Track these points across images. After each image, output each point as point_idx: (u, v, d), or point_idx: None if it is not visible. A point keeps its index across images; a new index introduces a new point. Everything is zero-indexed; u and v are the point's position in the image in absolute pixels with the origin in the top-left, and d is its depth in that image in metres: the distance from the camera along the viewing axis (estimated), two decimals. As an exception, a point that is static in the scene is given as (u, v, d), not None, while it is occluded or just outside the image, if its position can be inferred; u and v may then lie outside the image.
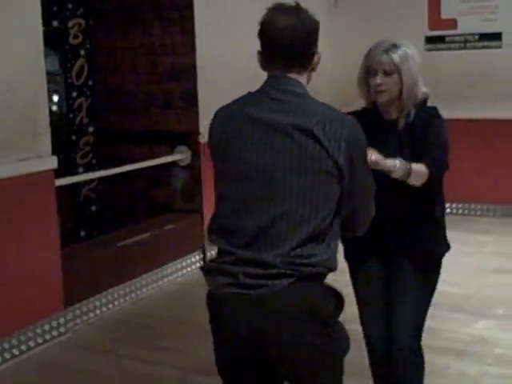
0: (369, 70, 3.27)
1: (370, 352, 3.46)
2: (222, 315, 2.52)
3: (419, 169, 3.12)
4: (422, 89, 3.33)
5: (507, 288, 5.74)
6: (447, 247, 3.45)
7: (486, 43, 7.98)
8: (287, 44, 2.47)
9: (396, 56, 3.22)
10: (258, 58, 2.61)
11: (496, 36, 7.91)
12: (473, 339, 4.84)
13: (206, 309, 2.62)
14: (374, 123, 3.28)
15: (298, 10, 2.52)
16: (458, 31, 8.07)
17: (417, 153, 3.23)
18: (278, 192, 2.39)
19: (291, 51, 2.49)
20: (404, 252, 3.32)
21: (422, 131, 3.27)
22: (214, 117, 2.64)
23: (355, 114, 3.23)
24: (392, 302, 3.35)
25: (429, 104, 3.38)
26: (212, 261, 2.56)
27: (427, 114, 3.32)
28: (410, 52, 3.28)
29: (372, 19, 8.27)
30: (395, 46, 3.25)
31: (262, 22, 2.54)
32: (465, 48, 8.06)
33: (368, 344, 3.44)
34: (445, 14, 8.11)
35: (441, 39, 8.12)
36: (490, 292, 5.67)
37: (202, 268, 2.63)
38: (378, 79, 3.23)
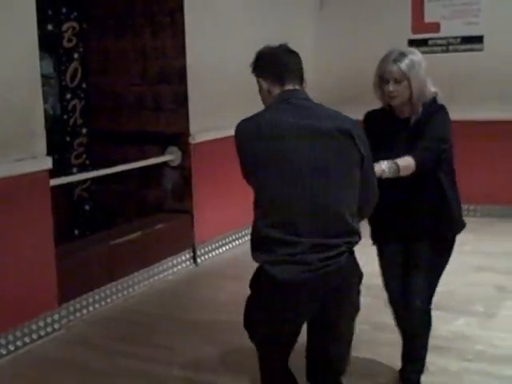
0: (381, 78, 3.71)
1: (392, 307, 4.08)
2: (299, 296, 2.98)
3: (405, 162, 3.54)
4: (431, 89, 3.77)
5: (487, 286, 5.79)
6: (461, 227, 4.01)
7: (468, 46, 8.04)
8: (296, 68, 3.18)
9: (404, 65, 3.64)
10: (264, 81, 3.17)
11: (478, 39, 7.98)
12: (454, 336, 4.88)
13: (269, 293, 3.06)
14: (388, 121, 3.82)
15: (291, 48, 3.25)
16: (440, 34, 8.12)
17: None
18: (331, 182, 2.93)
19: (299, 72, 3.17)
20: (419, 234, 3.86)
21: (424, 125, 3.69)
22: (241, 129, 3.08)
23: (374, 111, 3.93)
24: (408, 273, 3.92)
25: (439, 102, 3.82)
26: (271, 252, 2.97)
27: (433, 110, 3.74)
28: (417, 59, 3.70)
29: (356, 22, 8.30)
30: (403, 55, 3.67)
31: (268, 53, 3.21)
32: (447, 51, 8.11)
33: (390, 301, 4.06)
34: (428, 18, 8.17)
35: (424, 42, 8.14)
36: (470, 290, 5.73)
37: (267, 262, 3.00)
38: (390, 87, 3.66)
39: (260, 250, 3.03)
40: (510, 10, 7.92)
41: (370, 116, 3.94)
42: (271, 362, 3.39)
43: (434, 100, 3.79)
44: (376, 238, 4.00)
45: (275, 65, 3.16)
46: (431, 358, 4.24)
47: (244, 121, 3.09)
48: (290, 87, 3.10)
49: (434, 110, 3.76)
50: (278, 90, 3.10)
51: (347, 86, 7.96)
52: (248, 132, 3.04)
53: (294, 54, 3.19)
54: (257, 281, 3.15)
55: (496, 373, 4.35)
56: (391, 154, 3.55)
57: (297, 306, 3.03)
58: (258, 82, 3.19)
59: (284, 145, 2.93)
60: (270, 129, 2.96)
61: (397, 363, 4.20)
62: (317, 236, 2.90)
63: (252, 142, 3.00)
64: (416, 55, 3.74)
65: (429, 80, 3.77)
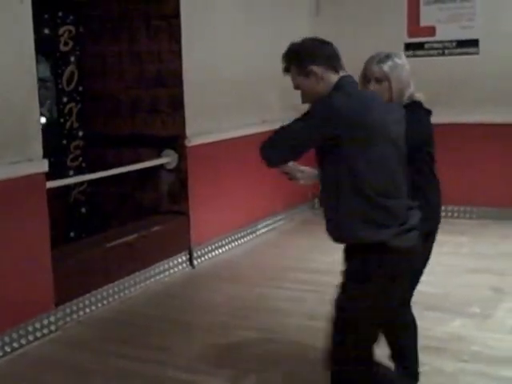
0: (364, 78, 3.79)
1: None
2: (414, 262, 3.36)
3: None
4: (415, 94, 3.84)
5: (483, 287, 5.81)
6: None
7: (463, 50, 8.09)
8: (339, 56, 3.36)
9: (386, 66, 3.73)
10: (317, 67, 3.25)
11: (473, 43, 8.03)
12: (450, 337, 4.89)
13: (393, 266, 3.18)
14: None
15: None
16: (436, 38, 8.16)
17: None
18: (401, 163, 3.26)
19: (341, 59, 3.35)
20: None
21: None
22: (347, 105, 3.13)
23: None
24: None
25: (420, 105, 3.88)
26: (389, 226, 3.15)
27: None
28: (400, 62, 3.78)
29: (352, 27, 8.35)
30: (387, 57, 3.77)
31: (311, 43, 3.34)
32: (443, 54, 8.16)
33: None
34: (424, 22, 8.22)
35: (420, 46, 8.21)
36: (466, 291, 5.75)
37: (389, 236, 3.14)
38: (371, 86, 3.74)
39: (376, 227, 3.14)
40: (505, 13, 7.97)
41: None
42: (370, 346, 3.36)
43: (410, 104, 3.80)
44: None
45: (325, 52, 3.31)
46: (427, 359, 4.25)
47: (341, 98, 3.16)
48: (343, 73, 3.30)
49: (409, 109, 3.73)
50: (334, 76, 3.26)
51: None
52: (356, 108, 3.13)
53: (330, 43, 3.38)
54: (368, 266, 3.17)
55: (492, 373, 4.36)
56: None
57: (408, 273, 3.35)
58: (307, 71, 3.25)
59: (386, 125, 3.19)
60: (375, 108, 3.21)
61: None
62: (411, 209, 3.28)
63: (365, 118, 3.12)
64: (400, 58, 3.82)
65: (412, 83, 3.83)
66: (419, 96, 3.87)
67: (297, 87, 3.34)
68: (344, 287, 3.25)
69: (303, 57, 3.28)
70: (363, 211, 3.12)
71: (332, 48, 3.35)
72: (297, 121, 3.18)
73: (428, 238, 3.78)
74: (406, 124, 3.42)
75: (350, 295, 3.23)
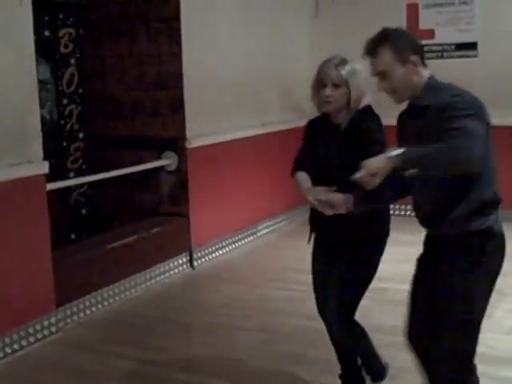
0: (319, 82, 3.66)
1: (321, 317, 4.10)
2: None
3: None
4: (368, 99, 3.71)
5: None
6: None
7: (462, 52, 8.13)
8: None
9: (344, 71, 3.60)
10: (416, 57, 3.12)
11: (472, 46, 8.07)
12: None
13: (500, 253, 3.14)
14: (323, 127, 3.79)
15: None
16: (435, 41, 8.18)
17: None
18: None
19: None
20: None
21: (357, 133, 3.64)
22: (477, 100, 3.09)
23: (311, 120, 3.91)
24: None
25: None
26: (492, 213, 3.09)
27: (362, 119, 3.66)
28: (358, 67, 3.63)
29: (352, 29, 8.30)
30: (344, 62, 3.65)
31: (404, 32, 3.26)
32: (442, 57, 8.18)
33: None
34: (423, 25, 8.25)
35: (419, 49, 8.27)
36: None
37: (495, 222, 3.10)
38: (327, 91, 3.61)
39: (486, 215, 3.07)
40: (503, 17, 8.00)
41: (310, 123, 3.92)
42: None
43: (364, 109, 3.70)
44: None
45: (421, 44, 3.24)
46: None
47: (467, 93, 3.08)
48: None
49: (365, 118, 3.69)
50: (425, 71, 3.15)
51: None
52: (482, 104, 3.08)
53: None
54: (484, 254, 3.08)
55: (492, 374, 4.32)
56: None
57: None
58: (405, 58, 3.08)
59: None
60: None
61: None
62: None
63: (486, 115, 3.09)
64: (358, 64, 3.64)
65: (367, 91, 3.70)
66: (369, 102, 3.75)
67: (382, 75, 3.11)
68: (457, 287, 3.09)
69: (404, 42, 3.12)
70: (488, 199, 3.07)
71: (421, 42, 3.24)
72: (463, 118, 2.89)
73: None
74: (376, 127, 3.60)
75: (469, 293, 3.09)
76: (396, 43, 3.08)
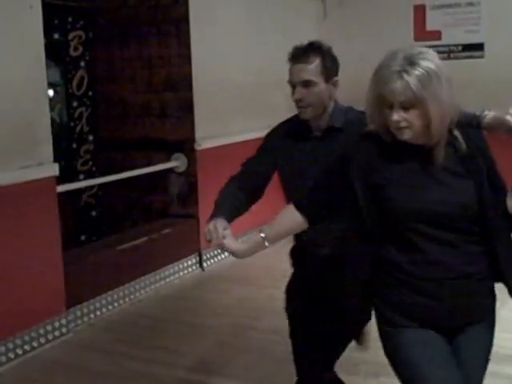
0: (381, 99, 2.39)
1: None
2: None
3: None
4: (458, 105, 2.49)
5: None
6: None
7: (468, 53, 8.10)
8: None
9: (414, 80, 2.31)
10: (337, 82, 3.20)
11: (478, 46, 8.05)
12: None
13: None
14: (396, 152, 2.50)
15: None
16: (442, 42, 8.16)
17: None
18: None
19: None
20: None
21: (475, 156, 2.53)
22: None
23: (364, 137, 2.64)
24: None
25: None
26: None
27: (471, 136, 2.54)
28: (434, 66, 2.36)
29: (360, 31, 8.38)
30: (412, 63, 2.34)
31: (338, 62, 3.24)
32: (449, 58, 8.12)
33: None
34: (430, 26, 8.23)
35: (426, 49, 8.26)
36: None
37: None
38: (395, 115, 2.36)
39: None
40: (510, 17, 7.96)
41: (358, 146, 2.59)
42: None
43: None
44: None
45: (338, 68, 3.19)
46: None
47: None
48: None
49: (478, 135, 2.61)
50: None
51: (349, 95, 8.00)
52: None
53: None
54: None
55: (500, 372, 4.33)
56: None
57: None
58: (333, 79, 3.12)
59: None
60: None
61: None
62: None
63: None
64: (432, 60, 2.38)
65: (454, 95, 2.46)
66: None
67: (307, 84, 3.05)
68: None
69: (333, 61, 3.12)
70: None
71: None
72: None
73: None
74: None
75: None
76: (327, 59, 3.08)
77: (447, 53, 8.18)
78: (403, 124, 2.36)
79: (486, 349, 2.75)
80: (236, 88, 7.15)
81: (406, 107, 2.34)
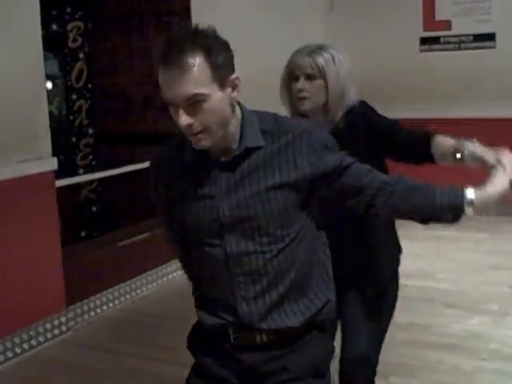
0: (291, 75, 2.93)
1: None
2: None
3: None
4: (354, 97, 2.93)
5: (501, 285, 5.76)
6: None
7: (479, 44, 8.03)
8: None
9: (320, 58, 2.87)
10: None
11: (490, 36, 7.97)
12: (467, 335, 4.85)
13: None
14: None
15: None
16: (452, 32, 8.11)
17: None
18: None
19: None
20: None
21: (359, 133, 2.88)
22: None
23: None
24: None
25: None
26: None
27: (357, 115, 2.91)
28: (338, 55, 2.91)
29: (367, 21, 8.30)
30: (321, 48, 2.92)
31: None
32: (459, 49, 8.10)
33: None
34: (439, 16, 8.16)
35: (435, 40, 8.17)
36: (484, 289, 5.70)
37: None
38: (300, 84, 2.86)
39: None
40: (522, 7, 7.90)
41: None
42: None
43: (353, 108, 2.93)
44: None
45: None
46: (445, 357, 4.22)
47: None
48: None
49: (364, 113, 2.94)
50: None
51: (359, 86, 7.95)
52: None
53: None
54: None
55: (510, 371, 4.33)
56: None
57: None
58: (231, 84, 2.22)
59: None
60: None
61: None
62: None
63: None
64: (338, 51, 2.94)
65: (353, 86, 2.94)
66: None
67: (192, 103, 2.06)
68: None
69: (229, 52, 2.27)
70: None
71: None
72: None
73: None
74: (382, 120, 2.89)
75: None
76: (214, 50, 2.14)
77: (457, 43, 8.15)
78: (305, 94, 2.84)
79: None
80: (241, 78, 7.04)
81: (311, 78, 2.84)
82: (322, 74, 2.85)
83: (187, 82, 2.01)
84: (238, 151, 2.15)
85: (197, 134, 2.08)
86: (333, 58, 2.87)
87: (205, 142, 2.10)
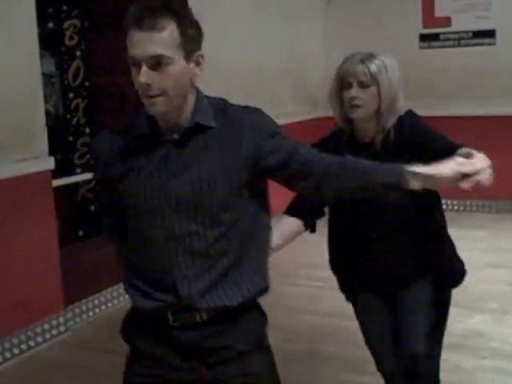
0: (342, 82, 2.93)
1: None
2: None
3: None
4: (402, 104, 2.98)
5: (502, 283, 5.77)
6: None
7: (479, 40, 8.02)
8: None
9: (373, 65, 2.88)
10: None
11: (490, 33, 7.96)
12: (468, 333, 4.86)
13: None
14: (342, 148, 2.81)
15: None
16: (451, 29, 8.11)
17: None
18: None
19: None
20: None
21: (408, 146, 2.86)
22: None
23: (322, 141, 3.05)
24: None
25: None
26: None
27: (406, 125, 2.94)
28: (389, 62, 2.93)
29: (365, 18, 8.30)
30: (372, 56, 2.92)
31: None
32: (459, 45, 8.10)
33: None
34: (438, 12, 8.16)
35: (435, 37, 8.17)
36: (485, 287, 5.69)
37: None
38: (353, 92, 2.87)
39: None
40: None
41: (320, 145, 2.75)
42: None
43: (401, 117, 2.97)
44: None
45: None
46: (446, 356, 4.21)
47: None
48: None
49: (411, 123, 2.95)
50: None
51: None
52: None
53: None
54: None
55: (508, 369, 4.35)
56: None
57: None
58: (195, 60, 2.20)
59: None
60: None
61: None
62: None
63: None
64: (388, 58, 2.95)
65: (401, 94, 2.97)
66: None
67: (156, 64, 2.12)
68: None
69: (200, 30, 2.24)
70: None
71: None
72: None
73: None
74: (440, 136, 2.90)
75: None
76: (186, 23, 2.16)
77: (457, 40, 8.16)
78: (358, 102, 2.85)
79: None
80: (239, 78, 7.09)
81: (363, 86, 2.85)
82: (375, 81, 2.86)
83: (156, 42, 2.08)
84: (188, 125, 2.19)
85: (153, 97, 2.13)
86: (385, 66, 2.89)
87: (159, 108, 2.14)
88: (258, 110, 2.31)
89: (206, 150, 2.19)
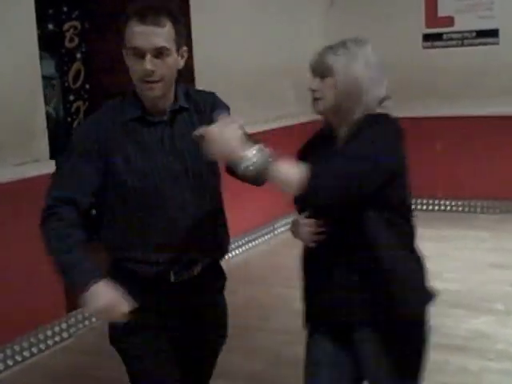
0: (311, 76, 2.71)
1: None
2: None
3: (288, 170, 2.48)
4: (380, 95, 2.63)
5: (506, 283, 5.77)
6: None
7: (483, 40, 8.01)
8: None
9: (331, 55, 2.60)
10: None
11: (493, 33, 7.94)
12: (473, 335, 4.85)
13: None
14: (318, 142, 2.79)
15: None
16: (454, 28, 8.10)
17: None
18: None
19: None
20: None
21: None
22: None
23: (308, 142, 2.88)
24: None
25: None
26: None
27: (366, 122, 2.57)
28: (355, 49, 2.60)
29: (368, 17, 8.28)
30: (341, 44, 2.64)
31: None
32: (462, 45, 8.09)
33: None
34: (441, 12, 8.15)
35: (438, 36, 8.16)
36: (489, 288, 5.70)
37: None
38: (313, 84, 2.63)
39: None
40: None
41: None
42: None
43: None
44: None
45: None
46: (451, 358, 4.21)
47: None
48: None
49: (368, 121, 2.57)
50: None
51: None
52: None
53: None
54: None
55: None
56: None
57: None
58: (181, 54, 2.63)
59: None
60: None
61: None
62: None
63: None
64: (361, 46, 2.62)
65: (377, 88, 2.62)
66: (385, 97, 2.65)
67: (159, 54, 2.53)
68: None
69: (185, 29, 2.68)
70: None
71: None
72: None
73: None
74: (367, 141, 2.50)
75: None
76: (178, 22, 2.57)
77: (460, 39, 8.14)
78: (317, 94, 2.62)
79: None
80: (240, 79, 7.07)
81: (322, 77, 2.60)
82: (330, 71, 2.58)
83: (160, 36, 2.48)
84: (174, 108, 2.63)
85: (153, 82, 2.52)
86: (350, 54, 2.58)
87: (157, 92, 2.54)
88: (213, 92, 2.78)
89: (187, 127, 2.59)
